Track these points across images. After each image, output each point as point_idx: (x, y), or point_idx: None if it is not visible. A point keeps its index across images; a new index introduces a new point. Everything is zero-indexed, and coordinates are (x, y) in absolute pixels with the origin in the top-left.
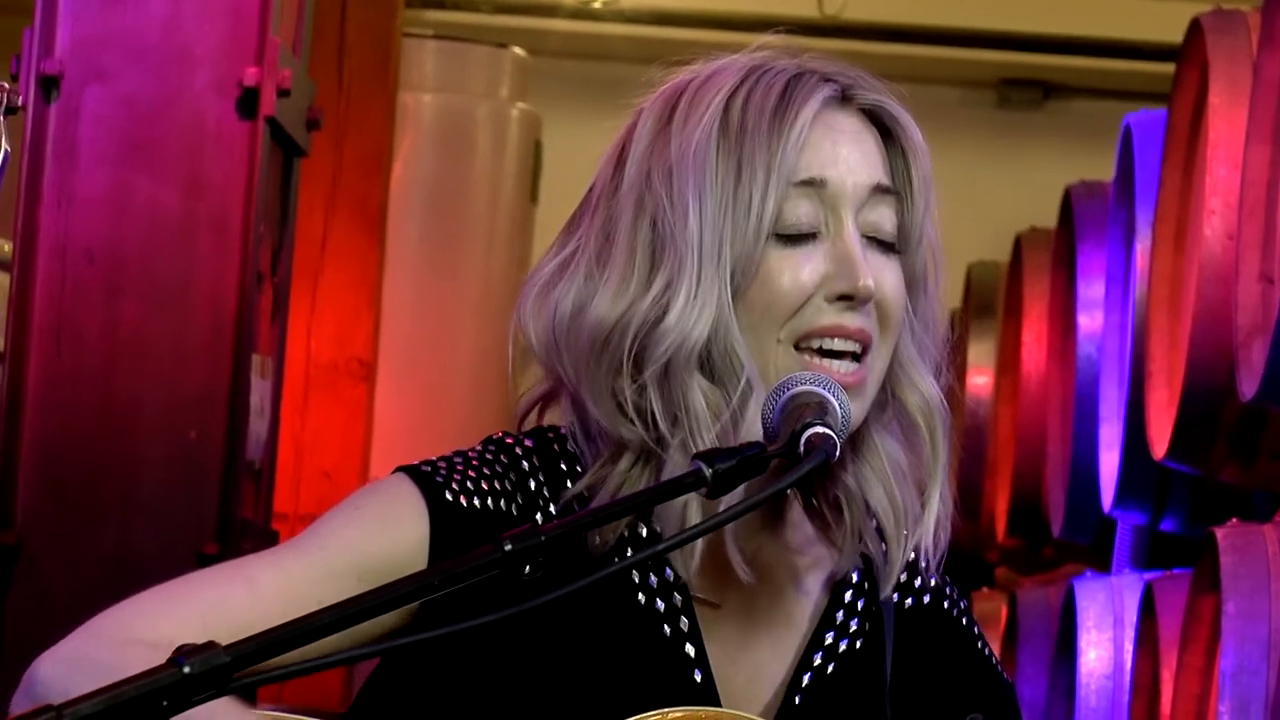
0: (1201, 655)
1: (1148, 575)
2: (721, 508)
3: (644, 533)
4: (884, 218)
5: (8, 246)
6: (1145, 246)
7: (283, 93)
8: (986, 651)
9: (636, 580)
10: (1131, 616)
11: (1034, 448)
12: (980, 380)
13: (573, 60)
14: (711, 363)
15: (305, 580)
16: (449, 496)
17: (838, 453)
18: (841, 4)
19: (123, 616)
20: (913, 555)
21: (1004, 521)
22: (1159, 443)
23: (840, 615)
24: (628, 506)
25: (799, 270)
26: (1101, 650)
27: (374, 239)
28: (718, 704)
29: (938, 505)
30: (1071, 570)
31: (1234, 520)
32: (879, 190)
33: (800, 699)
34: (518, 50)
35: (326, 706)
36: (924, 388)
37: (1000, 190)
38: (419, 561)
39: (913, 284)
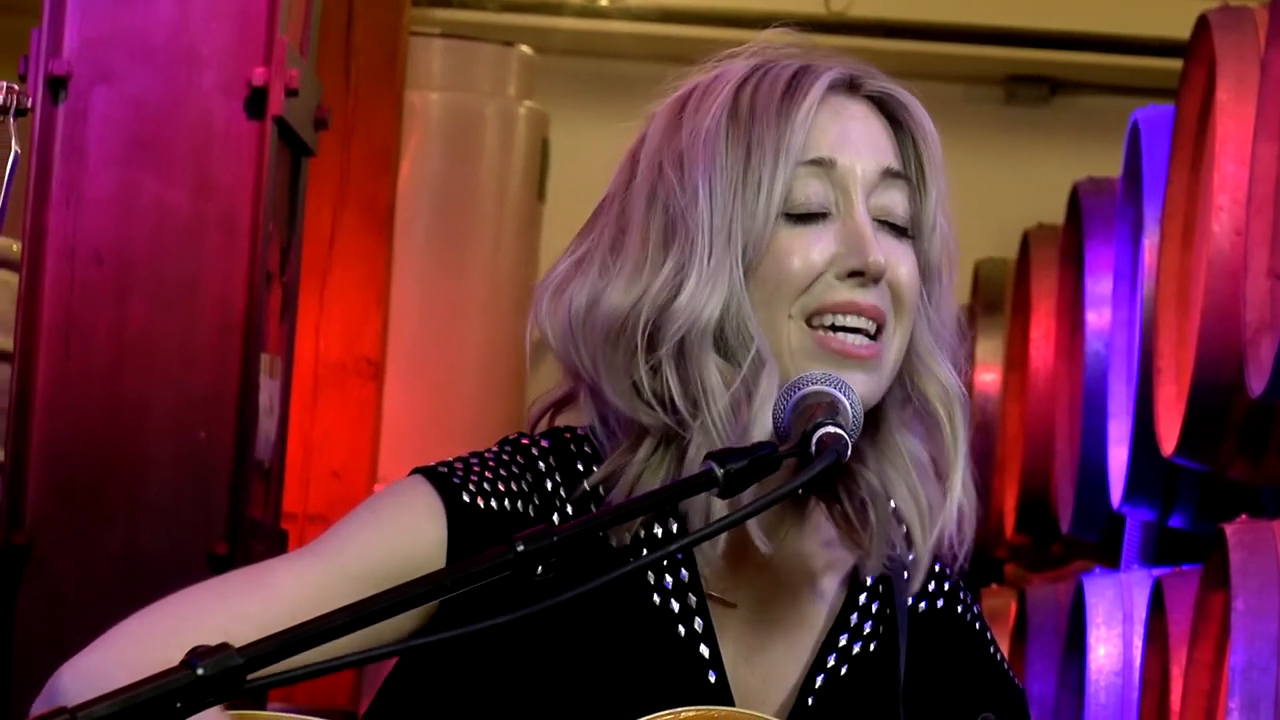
0: (1211, 651)
1: (1157, 571)
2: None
3: (659, 532)
4: (895, 202)
5: (16, 247)
6: (1153, 243)
7: (290, 92)
8: (999, 657)
9: (652, 581)
10: (1141, 613)
11: (1042, 444)
12: (988, 377)
13: (579, 58)
14: (725, 341)
15: (324, 584)
16: (466, 498)
17: (849, 452)
18: (848, 1)
19: (145, 626)
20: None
21: (1012, 518)
22: (1168, 439)
23: (854, 618)
24: (641, 506)
25: (810, 248)
26: (1111, 647)
27: (382, 238)
28: (731, 704)
29: (959, 494)
30: (1080, 567)
31: (1243, 516)
32: (889, 174)
33: (813, 700)
34: (524, 48)
35: (336, 704)
36: (942, 376)
37: (1007, 187)
38: (437, 563)
39: (927, 272)
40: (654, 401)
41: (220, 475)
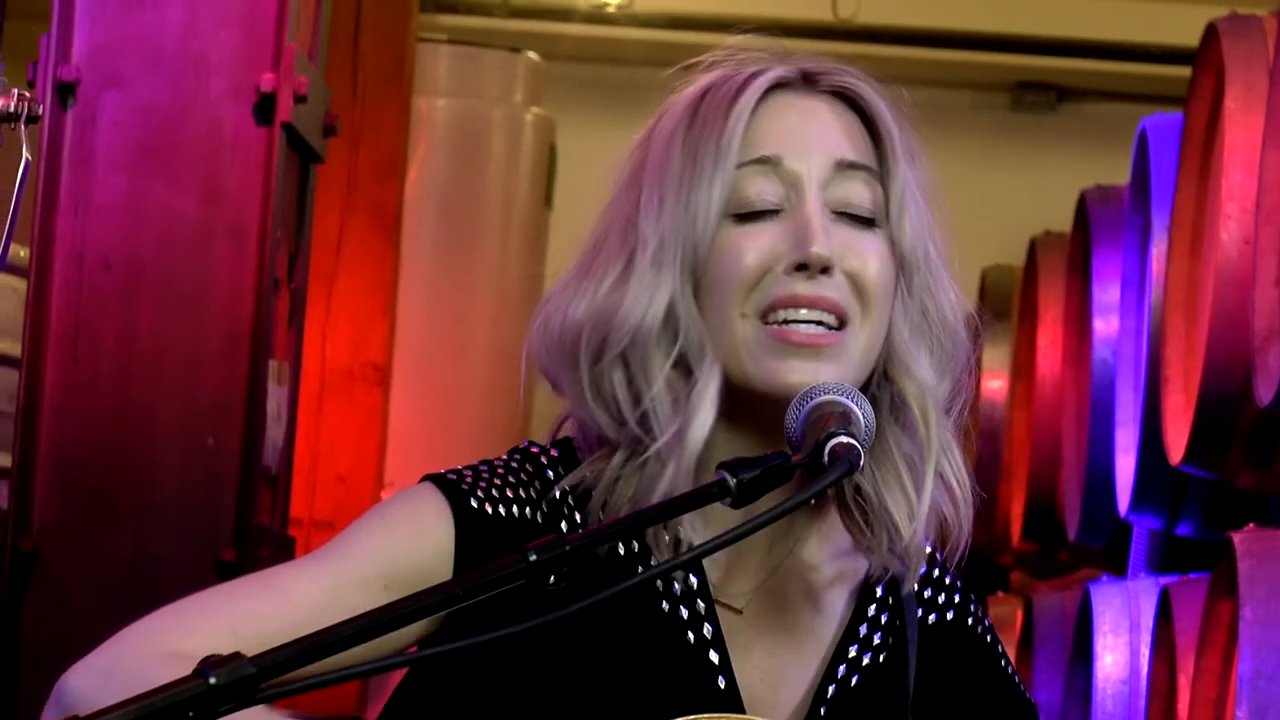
0: (1219, 660)
1: (1163, 580)
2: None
3: (668, 539)
4: (853, 192)
5: (24, 252)
6: (1161, 251)
7: (299, 99)
8: (1010, 670)
9: (660, 588)
10: (1148, 621)
11: (1049, 452)
12: (995, 384)
13: (587, 64)
14: (672, 346)
15: (333, 589)
16: (474, 504)
17: (862, 462)
18: (855, 8)
19: (154, 628)
20: (937, 572)
21: (1019, 525)
22: (1175, 447)
23: (864, 629)
24: (653, 516)
25: (755, 245)
26: (1118, 655)
27: (389, 244)
28: (741, 711)
29: (933, 493)
30: (1087, 574)
31: (1251, 525)
32: (844, 166)
33: (825, 710)
34: (532, 55)
35: (342, 711)
36: (918, 373)
37: (1013, 193)
38: (444, 569)
39: (902, 262)
40: (608, 413)
41: (228, 481)
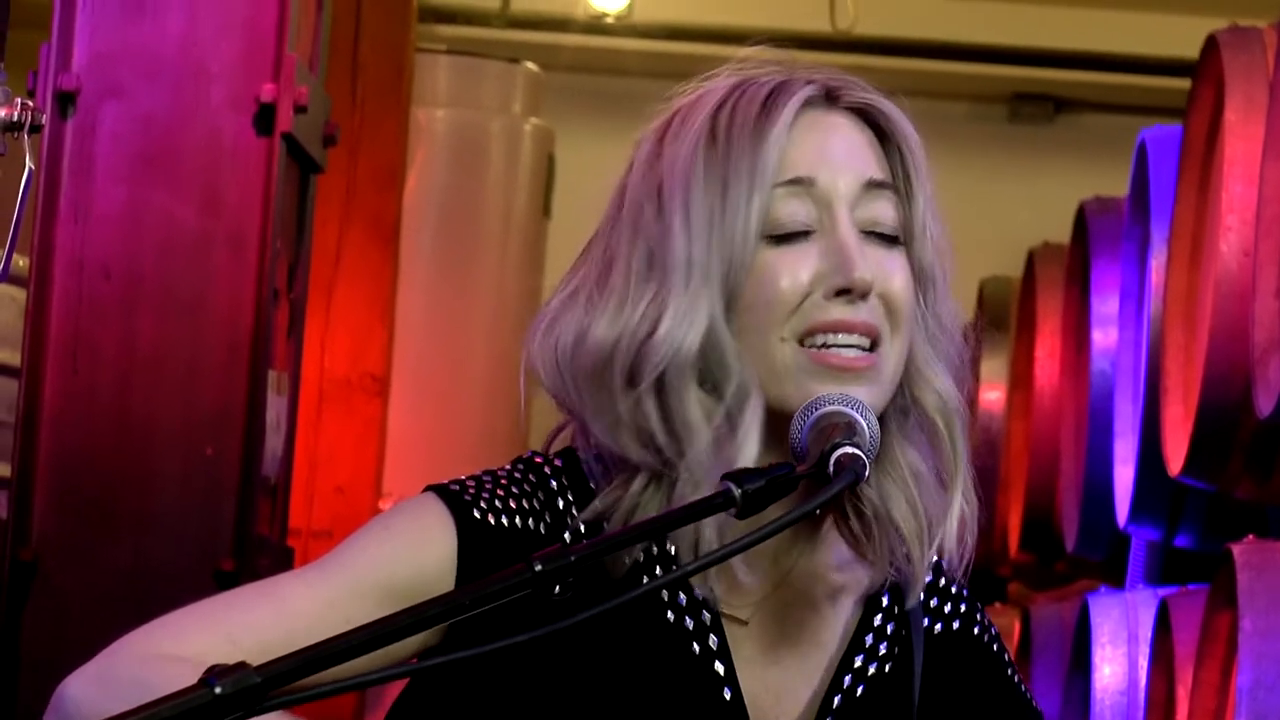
0: (1217, 672)
1: (1162, 591)
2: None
3: (672, 550)
4: (882, 212)
5: (24, 262)
6: (1160, 262)
7: (299, 109)
8: (1016, 679)
9: (665, 598)
10: (1146, 632)
11: (1047, 463)
12: (992, 395)
13: (585, 75)
14: (707, 373)
15: (334, 599)
16: (477, 515)
17: (867, 472)
18: (853, 19)
19: (153, 636)
20: (943, 581)
21: (1017, 536)
22: (1175, 459)
23: (869, 639)
24: (659, 526)
25: (793, 269)
26: (1116, 666)
27: (388, 254)
28: None
29: (960, 505)
30: (1085, 586)
31: (1250, 536)
32: (873, 185)
33: None
34: (530, 65)
35: None
36: (940, 387)
37: (1011, 205)
38: (447, 580)
39: (922, 279)
40: (639, 438)
41: (227, 491)
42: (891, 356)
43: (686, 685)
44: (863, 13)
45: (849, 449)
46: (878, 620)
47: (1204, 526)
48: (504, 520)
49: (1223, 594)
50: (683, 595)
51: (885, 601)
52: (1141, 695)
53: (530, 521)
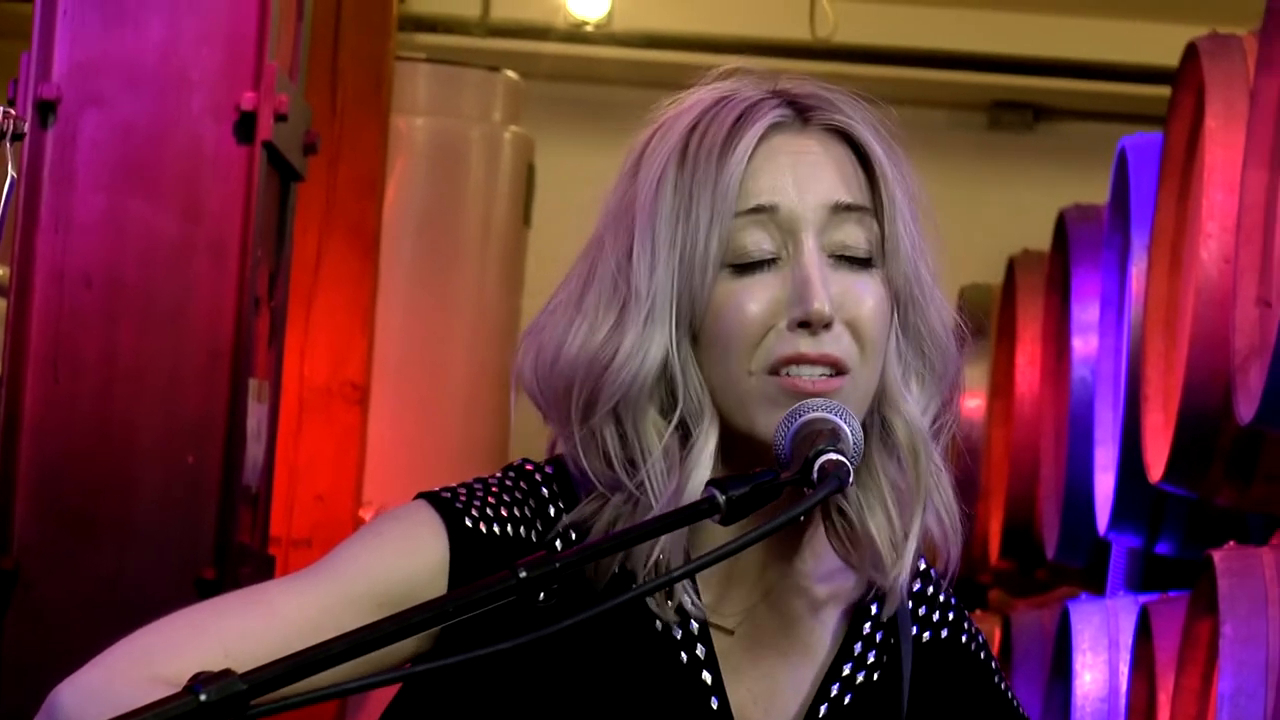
0: (1198, 678)
1: (1142, 598)
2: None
3: (662, 557)
4: (851, 235)
5: (4, 271)
6: (1141, 269)
7: (280, 117)
8: (1004, 686)
9: (653, 607)
10: (1127, 639)
11: (1027, 470)
12: (972, 403)
13: (565, 83)
14: (667, 400)
15: (324, 607)
16: (468, 523)
17: (851, 479)
18: (833, 27)
19: (145, 646)
20: (931, 589)
21: (997, 544)
22: (1155, 466)
23: (858, 647)
24: (642, 533)
25: (752, 301)
26: (1097, 673)
27: (368, 262)
28: None
29: (941, 517)
30: (1065, 593)
31: (1231, 543)
32: (841, 208)
33: None
34: (510, 74)
35: None
36: (907, 411)
37: (990, 212)
38: (438, 588)
39: (899, 298)
40: (602, 460)
41: (208, 500)
42: (860, 382)
43: (674, 694)
44: (842, 21)
45: (833, 455)
46: (866, 628)
47: (1184, 533)
48: (495, 529)
49: (1204, 600)
50: (670, 603)
51: (874, 609)
52: (1122, 702)
53: (521, 530)
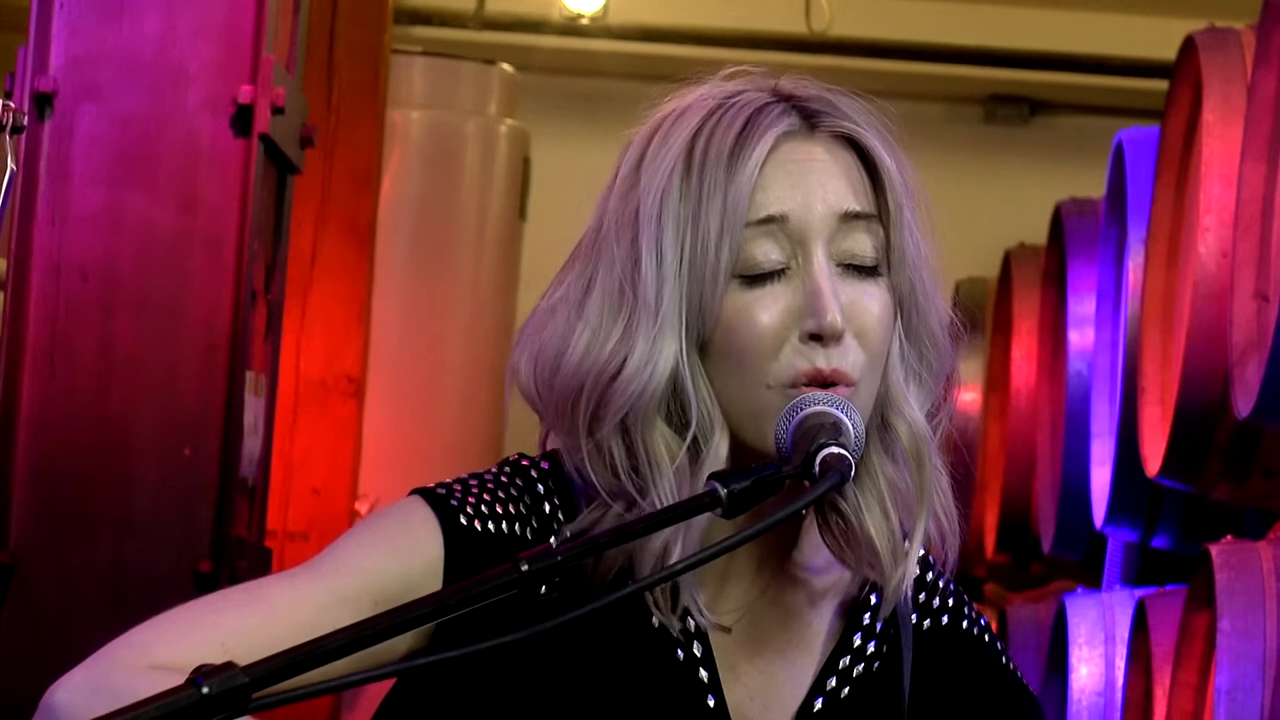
0: (1195, 672)
1: (1139, 592)
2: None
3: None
4: (859, 243)
5: (1, 264)
6: (1138, 263)
7: (277, 110)
8: (1010, 665)
9: (651, 605)
10: (1123, 633)
11: (1023, 464)
12: (968, 396)
13: (561, 76)
14: (674, 411)
15: (321, 604)
16: (463, 520)
17: (853, 473)
18: (829, 20)
19: (143, 642)
20: (930, 575)
21: (993, 537)
22: (1152, 460)
23: (857, 639)
24: (644, 528)
25: (764, 312)
26: (1093, 666)
27: (363, 255)
28: None
29: (940, 515)
30: (1061, 587)
31: (1229, 537)
32: (849, 216)
33: None
34: (506, 67)
35: None
36: (909, 415)
37: (986, 206)
38: (433, 585)
39: (902, 304)
40: (608, 471)
41: (205, 493)
42: (866, 390)
43: (670, 692)
44: (838, 14)
45: (835, 449)
46: (866, 619)
47: (1181, 527)
48: (490, 526)
49: (1200, 594)
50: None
51: (874, 600)
52: (1119, 696)
53: (517, 526)
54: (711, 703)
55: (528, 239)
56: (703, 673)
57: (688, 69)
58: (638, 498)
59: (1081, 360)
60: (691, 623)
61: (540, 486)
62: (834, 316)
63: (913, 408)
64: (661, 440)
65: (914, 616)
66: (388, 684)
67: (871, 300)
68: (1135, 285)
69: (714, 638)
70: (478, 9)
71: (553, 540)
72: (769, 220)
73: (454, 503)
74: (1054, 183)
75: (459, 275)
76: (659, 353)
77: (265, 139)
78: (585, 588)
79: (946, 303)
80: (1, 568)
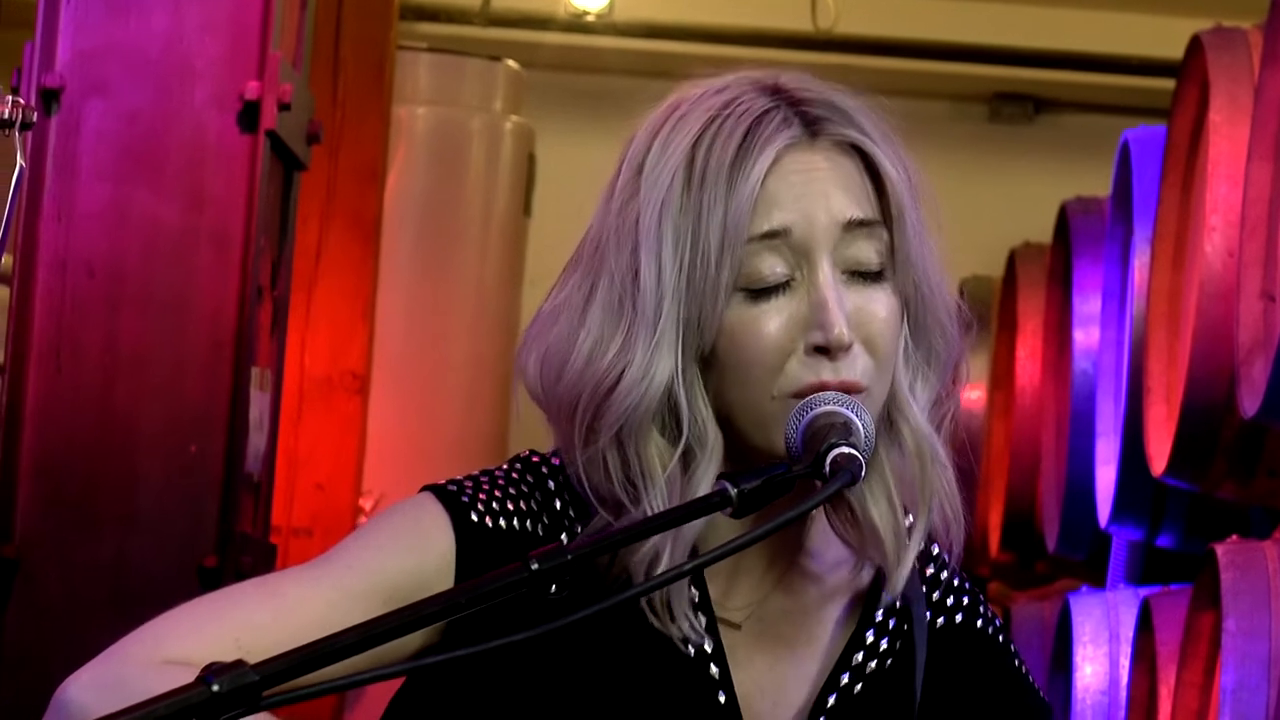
0: (1200, 672)
1: (1143, 591)
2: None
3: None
4: (863, 250)
5: (7, 260)
6: (1144, 262)
7: (283, 106)
8: (1023, 670)
9: (659, 604)
10: (1128, 632)
11: (1028, 463)
12: (973, 395)
13: (566, 73)
14: (668, 424)
15: (332, 600)
16: (474, 517)
17: (864, 472)
18: (834, 18)
19: (154, 637)
20: (945, 574)
21: (997, 536)
22: (1158, 459)
23: (870, 635)
24: (654, 526)
25: (768, 326)
26: (1097, 665)
27: (368, 251)
28: None
29: (945, 510)
30: (1065, 585)
31: (1234, 536)
32: (853, 225)
33: (826, 719)
34: (511, 63)
35: None
36: (913, 418)
37: (991, 205)
38: (445, 582)
39: (908, 308)
40: (605, 478)
41: (211, 489)
42: (875, 395)
43: (681, 688)
44: (843, 12)
45: (845, 449)
46: (879, 615)
47: (1186, 527)
48: (501, 522)
49: (1206, 594)
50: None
51: (886, 596)
52: (1123, 695)
53: (528, 523)
54: (722, 699)
55: (533, 235)
56: (713, 669)
57: (693, 66)
58: (630, 507)
59: (1087, 359)
60: (702, 619)
61: (551, 483)
62: (840, 330)
63: (916, 411)
64: (655, 451)
65: (927, 614)
66: (391, 683)
67: (878, 305)
68: (1141, 284)
69: (724, 634)
70: (483, 6)
71: (564, 538)
72: (772, 235)
73: (465, 499)
74: (1059, 181)
75: (464, 271)
76: (655, 366)
77: (271, 135)
78: (596, 586)
79: (953, 293)
80: (7, 563)
